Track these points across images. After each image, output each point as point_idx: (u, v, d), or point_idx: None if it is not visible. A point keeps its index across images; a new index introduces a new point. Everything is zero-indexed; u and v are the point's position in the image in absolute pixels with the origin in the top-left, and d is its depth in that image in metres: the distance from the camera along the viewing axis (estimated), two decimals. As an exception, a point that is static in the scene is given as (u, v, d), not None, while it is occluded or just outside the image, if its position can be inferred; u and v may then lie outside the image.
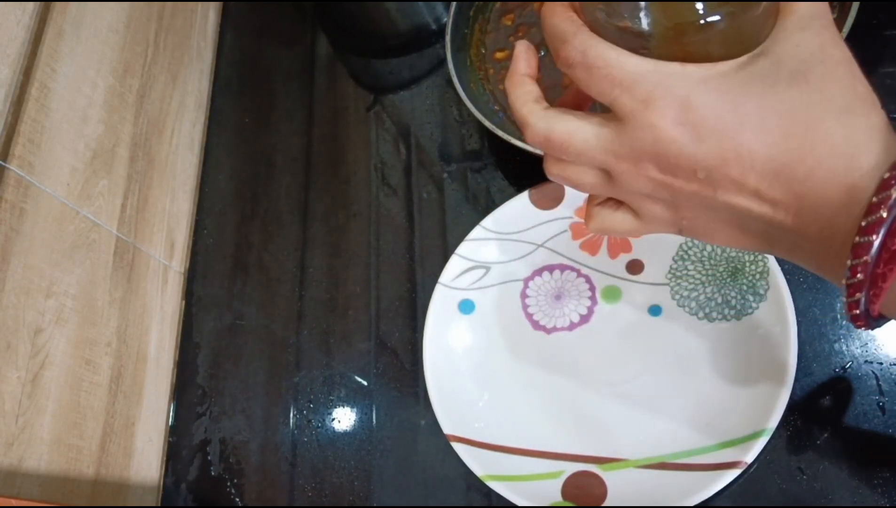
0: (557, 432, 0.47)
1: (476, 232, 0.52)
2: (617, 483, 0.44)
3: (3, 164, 0.44)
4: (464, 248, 0.52)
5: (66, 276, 0.49)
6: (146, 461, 0.55)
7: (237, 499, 0.53)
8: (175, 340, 0.61)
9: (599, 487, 0.44)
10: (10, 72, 0.46)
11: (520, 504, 0.43)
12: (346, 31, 0.72)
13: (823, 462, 0.42)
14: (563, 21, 0.28)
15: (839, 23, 0.46)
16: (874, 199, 0.24)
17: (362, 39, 0.70)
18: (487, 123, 0.51)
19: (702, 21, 0.26)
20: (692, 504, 0.40)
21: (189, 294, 0.62)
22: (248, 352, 0.58)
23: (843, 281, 0.25)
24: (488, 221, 0.52)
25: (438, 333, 0.50)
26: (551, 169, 0.31)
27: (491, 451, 0.46)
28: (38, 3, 0.49)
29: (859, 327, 0.27)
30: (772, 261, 0.45)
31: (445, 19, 0.58)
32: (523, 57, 0.32)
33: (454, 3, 0.58)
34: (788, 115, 0.25)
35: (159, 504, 0.55)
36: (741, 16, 0.26)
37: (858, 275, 0.25)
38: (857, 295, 0.25)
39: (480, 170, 0.59)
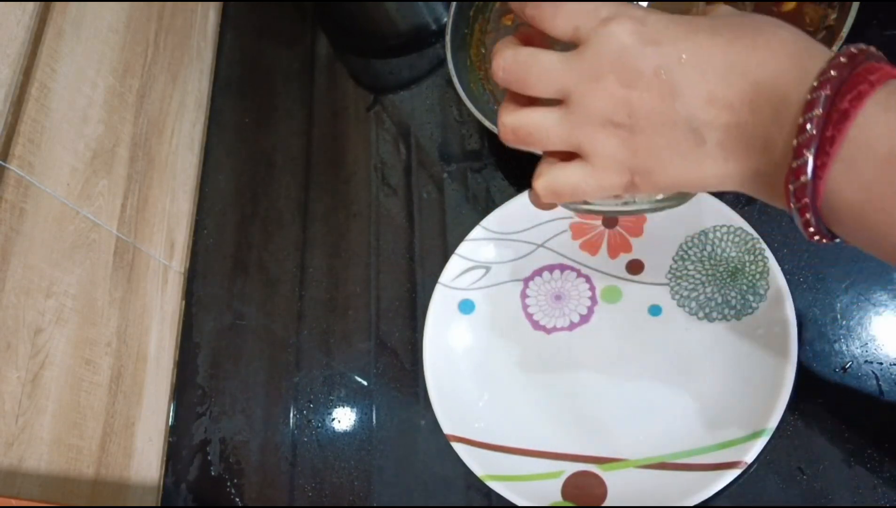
0: (557, 432, 0.47)
1: (476, 232, 0.52)
2: (617, 483, 0.44)
3: (3, 164, 0.44)
4: (464, 248, 0.52)
5: (66, 276, 0.49)
6: (146, 461, 0.55)
7: (237, 499, 0.53)
8: (175, 340, 0.61)
9: (599, 487, 0.44)
10: (10, 72, 0.46)
11: (520, 504, 0.43)
12: (346, 31, 0.72)
13: (823, 462, 0.42)
14: None
15: (839, 23, 0.46)
16: (825, 65, 0.26)
17: (362, 39, 0.70)
18: (487, 123, 0.51)
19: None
20: (692, 504, 0.40)
21: (189, 294, 0.62)
22: (248, 352, 0.58)
23: (793, 141, 0.26)
24: (488, 221, 0.52)
25: (438, 333, 0.50)
26: (506, 118, 0.32)
27: (491, 451, 0.46)
28: (38, 3, 0.49)
29: (803, 211, 0.27)
30: (772, 261, 0.45)
31: (445, 19, 0.58)
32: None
33: (454, 3, 0.58)
34: (737, 25, 0.28)
35: (159, 504, 0.55)
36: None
37: (808, 130, 0.25)
38: (805, 153, 0.25)
39: (480, 170, 0.59)
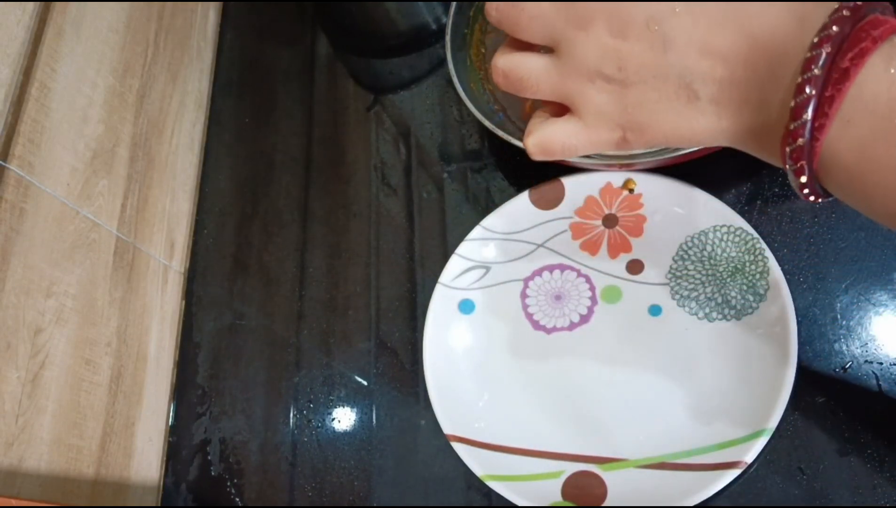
0: (557, 432, 0.47)
1: (476, 232, 0.52)
2: (617, 483, 0.44)
3: (3, 164, 0.44)
4: (464, 248, 0.52)
5: (66, 276, 0.49)
6: (146, 461, 0.55)
7: (237, 499, 0.53)
8: (175, 340, 0.61)
9: (599, 487, 0.44)
10: (10, 72, 0.46)
11: (520, 504, 0.43)
12: (346, 31, 0.72)
13: (823, 461, 0.42)
14: None
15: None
16: (826, 20, 0.24)
17: (362, 39, 0.70)
18: (487, 123, 0.51)
19: None
20: (692, 504, 0.40)
21: (189, 294, 0.62)
22: (248, 352, 0.58)
23: (791, 102, 0.25)
24: (488, 221, 0.52)
25: (438, 333, 0.50)
26: (498, 60, 0.32)
27: (491, 451, 0.46)
28: (38, 3, 0.49)
29: (799, 173, 0.26)
30: (772, 261, 0.45)
31: (445, 19, 0.58)
32: None
33: (454, 3, 0.58)
34: None
35: (159, 504, 0.55)
36: None
37: (806, 91, 0.24)
38: (803, 115, 0.24)
39: (480, 170, 0.59)
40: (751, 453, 0.40)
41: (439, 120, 0.62)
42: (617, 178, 0.50)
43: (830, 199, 0.28)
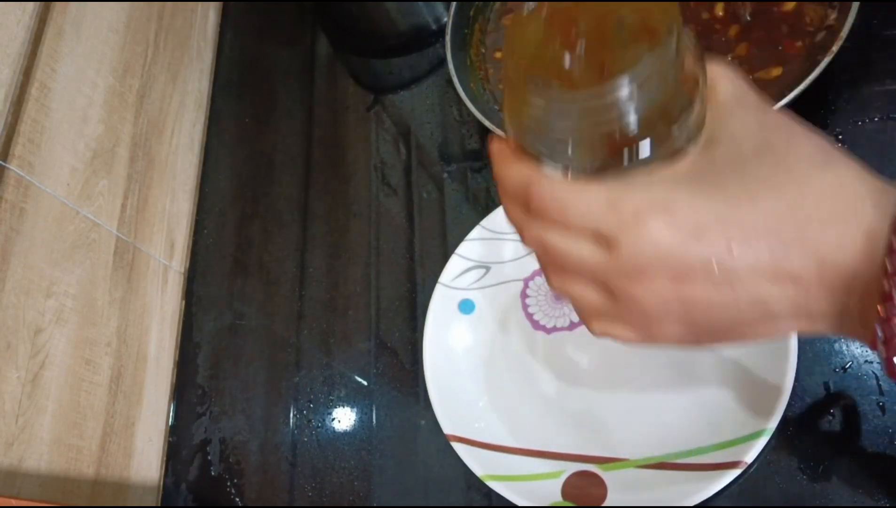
0: (557, 432, 0.47)
1: (476, 232, 0.52)
2: (617, 483, 0.44)
3: (3, 164, 0.44)
4: (464, 248, 0.52)
5: (66, 276, 0.49)
6: (146, 461, 0.55)
7: (237, 499, 0.53)
8: (175, 340, 0.61)
9: (599, 487, 0.44)
10: (10, 72, 0.46)
11: (520, 504, 0.43)
12: (346, 31, 0.72)
13: (823, 461, 0.42)
14: (518, 170, 0.28)
15: (839, 23, 0.46)
16: (890, 235, 0.23)
17: (362, 39, 0.70)
18: (487, 123, 0.51)
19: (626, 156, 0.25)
20: (692, 504, 0.40)
21: (189, 294, 0.62)
22: (248, 352, 0.58)
23: (878, 330, 0.23)
24: (488, 221, 0.52)
25: (438, 333, 0.50)
26: (552, 280, 0.29)
27: (491, 451, 0.46)
28: (38, 3, 0.49)
29: (893, 376, 0.25)
30: (772, 261, 0.45)
31: (445, 19, 0.58)
32: None
33: (454, 3, 0.58)
34: (773, 182, 0.24)
35: (159, 504, 0.55)
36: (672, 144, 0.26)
37: (893, 324, 0.23)
38: (895, 341, 0.23)
39: (480, 170, 0.59)
40: (751, 453, 0.40)
41: (439, 120, 0.62)
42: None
43: None
